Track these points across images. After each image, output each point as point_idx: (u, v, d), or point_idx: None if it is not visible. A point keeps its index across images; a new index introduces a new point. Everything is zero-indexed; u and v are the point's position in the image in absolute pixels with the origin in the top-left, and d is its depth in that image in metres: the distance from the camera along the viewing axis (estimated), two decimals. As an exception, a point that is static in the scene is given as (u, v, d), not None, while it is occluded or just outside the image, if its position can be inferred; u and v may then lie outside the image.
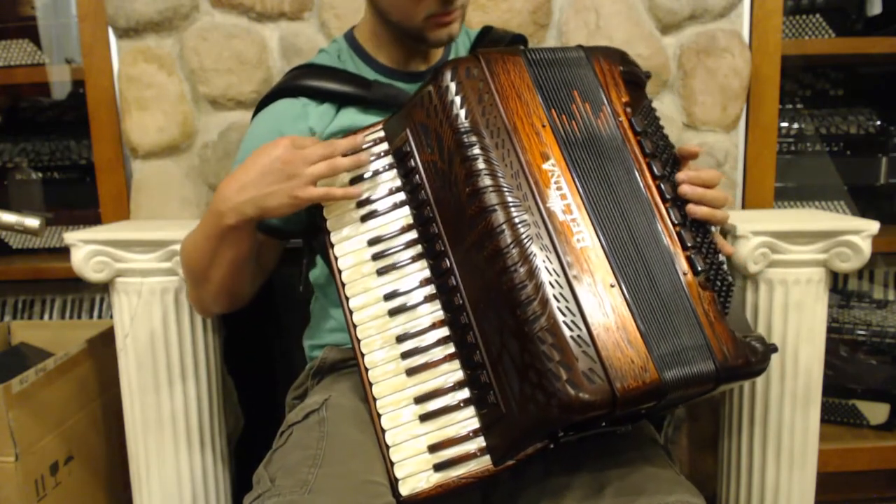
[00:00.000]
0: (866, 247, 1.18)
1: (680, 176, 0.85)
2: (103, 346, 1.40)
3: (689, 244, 0.81)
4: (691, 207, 0.84)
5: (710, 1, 1.41)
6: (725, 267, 0.86)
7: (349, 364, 1.04)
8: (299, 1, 1.39)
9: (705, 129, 1.45)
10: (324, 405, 0.93)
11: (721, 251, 0.87)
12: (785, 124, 1.72)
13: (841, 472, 1.57)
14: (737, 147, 1.47)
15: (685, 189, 0.84)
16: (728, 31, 1.42)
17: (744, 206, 1.50)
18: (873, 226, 1.18)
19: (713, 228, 0.88)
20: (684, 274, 0.80)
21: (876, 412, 1.65)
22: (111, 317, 1.26)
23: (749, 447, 1.28)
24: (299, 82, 1.03)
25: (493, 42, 1.12)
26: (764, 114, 1.47)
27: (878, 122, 1.71)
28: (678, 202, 0.84)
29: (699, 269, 0.80)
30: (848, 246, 1.18)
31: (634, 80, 0.91)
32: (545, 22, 1.41)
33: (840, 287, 1.85)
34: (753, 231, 1.19)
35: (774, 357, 0.90)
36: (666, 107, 1.44)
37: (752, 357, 0.79)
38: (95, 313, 1.80)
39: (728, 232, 1.22)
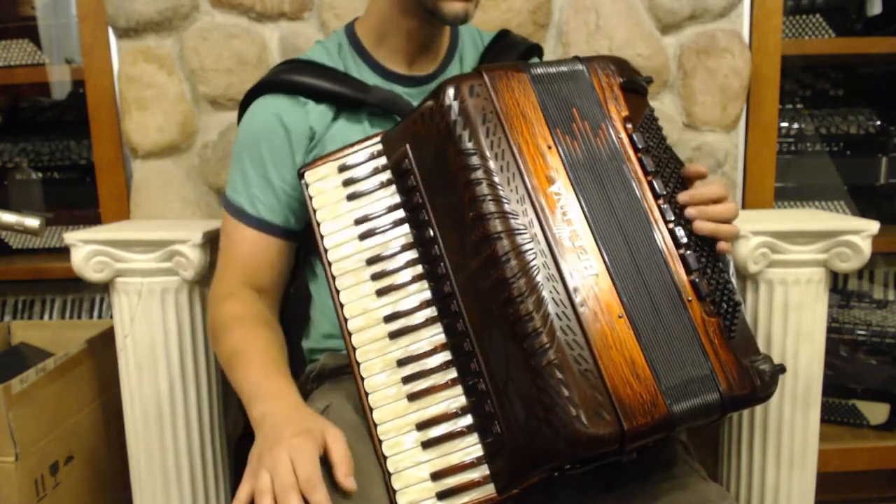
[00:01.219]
0: (866, 247, 1.18)
1: (681, 197, 0.83)
2: (103, 346, 1.40)
3: (693, 267, 0.79)
4: (698, 224, 0.82)
5: (710, 1, 1.41)
6: (732, 286, 0.84)
7: (348, 371, 1.03)
8: (299, 1, 1.39)
9: (705, 129, 1.45)
10: (324, 413, 0.91)
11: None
12: (785, 124, 1.72)
13: (841, 472, 1.57)
14: (737, 147, 1.47)
15: (690, 212, 0.82)
16: (728, 31, 1.42)
17: (744, 206, 1.50)
18: (873, 226, 1.18)
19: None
20: (689, 301, 0.78)
21: (876, 412, 1.65)
22: (111, 317, 1.26)
23: (749, 447, 1.28)
24: (297, 78, 1.01)
25: (506, 49, 1.09)
26: (764, 114, 1.47)
27: (878, 122, 1.71)
28: (681, 221, 0.82)
29: (704, 294, 0.78)
30: (848, 246, 1.18)
31: (635, 88, 0.88)
32: (545, 22, 1.41)
33: (840, 287, 1.86)
34: (753, 231, 1.19)
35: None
36: (666, 107, 1.44)
37: (759, 383, 0.78)
38: (95, 313, 1.80)
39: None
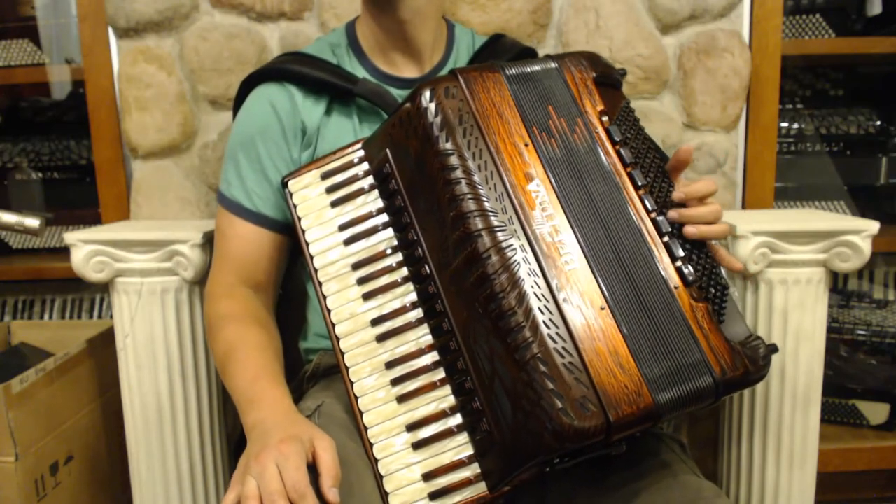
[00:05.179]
0: (866, 247, 1.18)
1: (676, 195, 0.84)
2: (103, 346, 1.40)
3: (677, 255, 0.79)
4: (688, 229, 0.83)
5: (710, 1, 1.41)
6: (720, 269, 0.85)
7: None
8: (299, 1, 1.39)
9: (705, 129, 1.45)
10: (316, 412, 0.92)
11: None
12: (785, 124, 1.72)
13: (841, 472, 1.57)
14: (737, 147, 1.47)
15: (675, 216, 0.83)
16: (728, 31, 1.42)
17: (744, 206, 1.50)
18: (873, 226, 1.18)
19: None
20: (675, 287, 0.78)
21: (876, 412, 1.65)
22: (111, 317, 1.26)
23: (749, 447, 1.28)
24: (287, 67, 1.02)
25: (496, 53, 1.09)
26: (764, 114, 1.47)
27: (878, 122, 1.72)
28: (664, 210, 0.83)
29: (690, 279, 0.78)
30: (848, 246, 1.18)
31: (609, 82, 0.89)
32: (545, 22, 1.41)
33: (840, 287, 1.86)
34: (753, 231, 1.19)
35: (775, 357, 0.89)
36: (666, 107, 1.44)
37: (751, 365, 0.78)
38: (95, 313, 1.80)
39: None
